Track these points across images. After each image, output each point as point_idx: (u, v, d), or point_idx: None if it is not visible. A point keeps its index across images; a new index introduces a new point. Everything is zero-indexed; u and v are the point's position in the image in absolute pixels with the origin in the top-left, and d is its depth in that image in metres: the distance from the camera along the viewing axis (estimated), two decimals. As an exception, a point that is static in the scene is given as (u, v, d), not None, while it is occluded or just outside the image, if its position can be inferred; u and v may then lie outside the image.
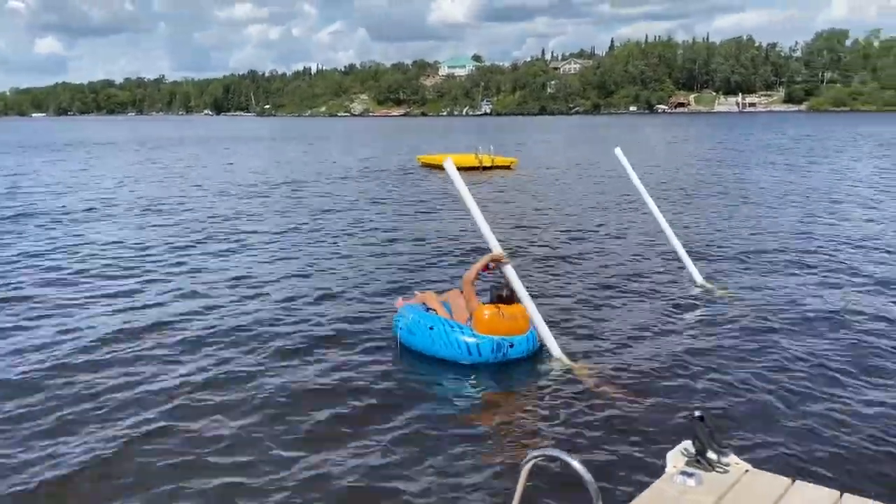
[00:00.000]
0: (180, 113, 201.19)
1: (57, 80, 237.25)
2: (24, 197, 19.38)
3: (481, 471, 4.67)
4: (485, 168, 26.87)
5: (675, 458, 3.76)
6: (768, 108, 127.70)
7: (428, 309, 7.03)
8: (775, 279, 9.55)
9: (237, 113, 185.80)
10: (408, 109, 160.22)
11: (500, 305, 6.60)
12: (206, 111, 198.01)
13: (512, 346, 6.49)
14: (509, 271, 6.93)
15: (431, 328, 6.64)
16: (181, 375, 6.25)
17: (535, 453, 2.70)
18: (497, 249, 6.98)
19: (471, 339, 6.47)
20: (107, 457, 4.81)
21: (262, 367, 6.46)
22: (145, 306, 8.48)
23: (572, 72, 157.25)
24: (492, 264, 6.96)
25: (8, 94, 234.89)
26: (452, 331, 6.57)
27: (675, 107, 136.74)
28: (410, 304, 7.29)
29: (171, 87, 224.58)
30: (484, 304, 6.68)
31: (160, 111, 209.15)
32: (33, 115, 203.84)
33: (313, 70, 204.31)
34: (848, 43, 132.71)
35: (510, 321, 6.54)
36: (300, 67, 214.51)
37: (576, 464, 2.61)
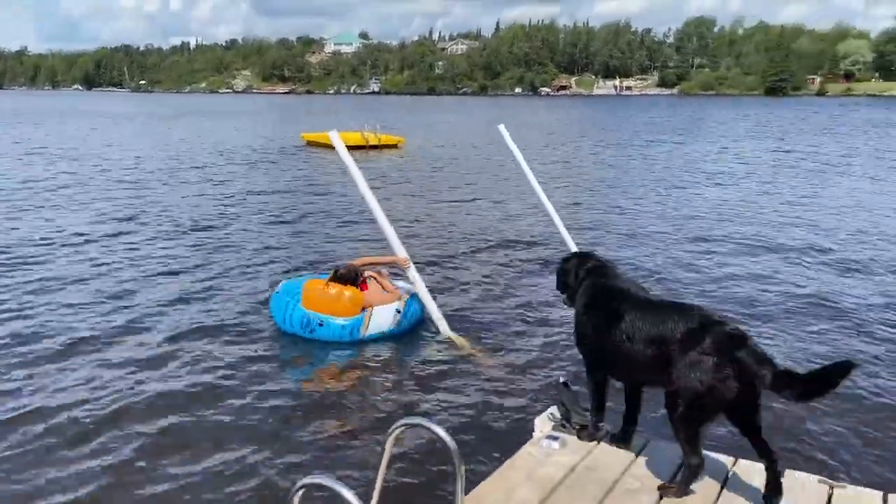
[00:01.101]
0: (46, 88, 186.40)
1: None
2: None
3: (348, 442, 4.77)
4: (372, 147, 26.65)
5: (543, 423, 3.91)
6: (643, 92, 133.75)
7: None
8: (652, 251, 10.10)
9: (110, 88, 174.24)
10: (293, 87, 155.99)
11: (330, 283, 6.56)
12: (75, 86, 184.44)
13: (321, 324, 6.45)
14: (414, 275, 6.98)
15: (287, 302, 6.67)
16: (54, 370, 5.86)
17: (400, 423, 2.73)
18: (400, 253, 7.01)
19: (290, 312, 6.54)
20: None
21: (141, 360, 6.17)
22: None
23: (459, 52, 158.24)
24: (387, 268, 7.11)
25: None
26: (288, 304, 6.61)
27: (558, 90, 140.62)
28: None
29: (36, 59, 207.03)
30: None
31: (23, 86, 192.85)
32: None
33: (192, 45, 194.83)
34: (715, 30, 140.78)
35: (328, 300, 6.46)
36: (178, 42, 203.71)
37: (438, 429, 2.66)
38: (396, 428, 2.71)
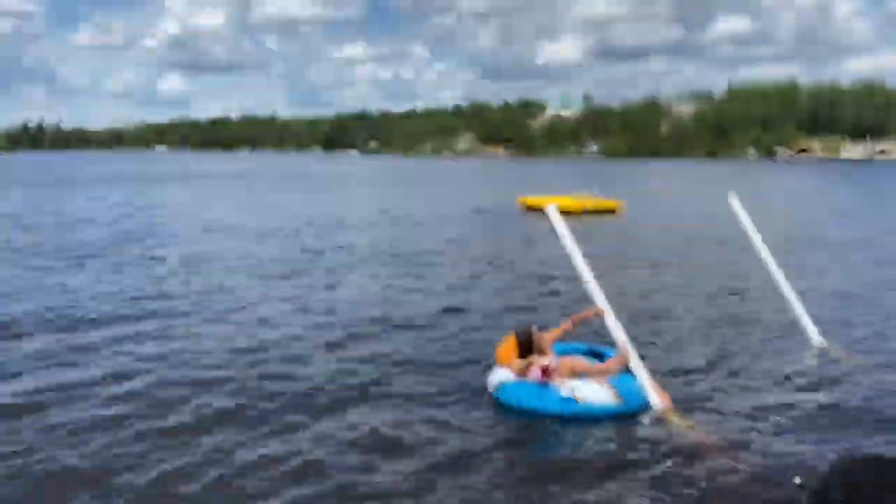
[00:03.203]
0: (290, 151, 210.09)
1: (178, 115, 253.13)
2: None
3: None
4: (587, 212, 26.26)
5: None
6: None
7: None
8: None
9: (346, 150, 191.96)
10: (513, 150, 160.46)
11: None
12: (316, 148, 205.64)
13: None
14: (611, 324, 6.75)
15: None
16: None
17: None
18: (600, 304, 6.82)
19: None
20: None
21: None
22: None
23: (686, 113, 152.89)
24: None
25: (134, 128, 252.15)
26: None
27: (798, 153, 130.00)
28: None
29: (284, 124, 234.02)
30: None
31: (273, 147, 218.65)
32: (157, 147, 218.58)
33: (419, 109, 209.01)
34: None
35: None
36: (408, 107, 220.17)
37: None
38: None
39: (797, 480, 3.34)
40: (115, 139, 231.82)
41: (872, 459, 2.33)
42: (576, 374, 6.52)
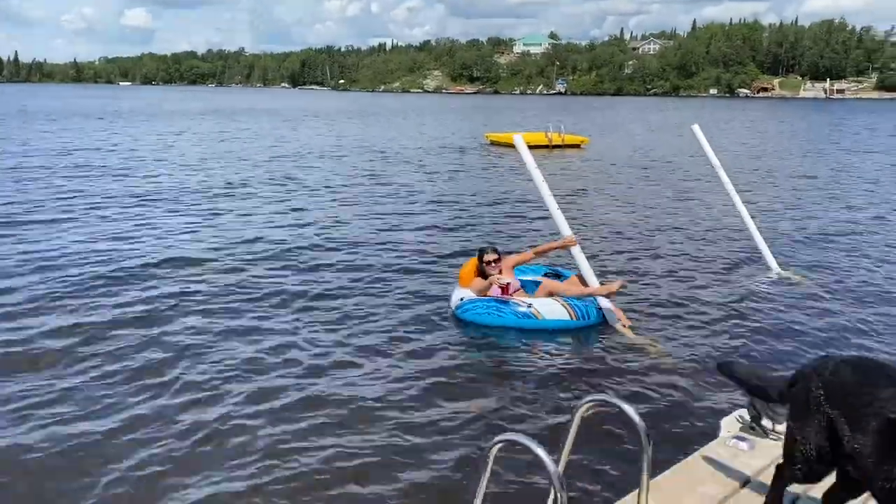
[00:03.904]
0: (258, 85, 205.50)
1: (143, 51, 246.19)
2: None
3: (535, 415, 5.01)
4: (555, 146, 26.69)
5: (730, 424, 3.82)
6: (857, 96, 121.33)
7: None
8: (854, 267, 9.28)
9: (312, 87, 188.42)
10: (481, 87, 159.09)
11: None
12: (282, 84, 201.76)
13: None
14: (577, 253, 7.10)
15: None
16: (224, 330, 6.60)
17: (589, 398, 2.82)
18: (566, 233, 7.17)
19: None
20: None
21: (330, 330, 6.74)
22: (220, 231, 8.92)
23: (651, 52, 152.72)
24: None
25: (97, 62, 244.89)
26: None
27: (758, 91, 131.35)
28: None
29: (251, 59, 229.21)
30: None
31: (239, 83, 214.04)
32: (120, 83, 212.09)
33: (388, 46, 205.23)
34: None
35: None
36: (376, 43, 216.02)
37: (627, 407, 2.73)
38: (585, 402, 2.81)
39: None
40: (77, 74, 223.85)
41: (851, 360, 2.64)
42: (553, 295, 6.91)
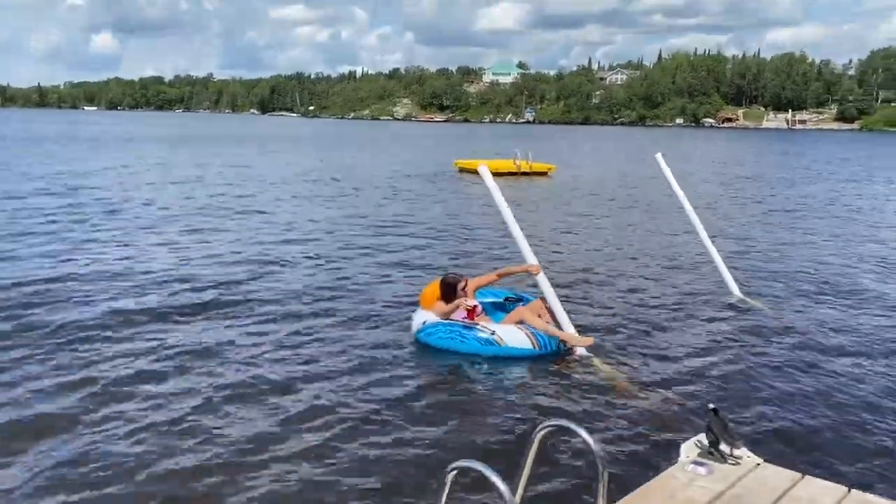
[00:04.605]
0: (226, 111, 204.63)
1: (110, 76, 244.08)
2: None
3: (494, 440, 4.96)
4: (522, 173, 26.93)
5: (689, 450, 3.83)
6: (818, 126, 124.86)
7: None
8: (811, 297, 9.40)
9: (282, 113, 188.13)
10: (451, 115, 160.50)
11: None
12: (251, 110, 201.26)
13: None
14: (542, 280, 7.12)
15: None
16: (182, 343, 6.50)
17: (547, 423, 2.81)
18: (531, 261, 7.18)
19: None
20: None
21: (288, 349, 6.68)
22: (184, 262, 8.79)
23: (619, 82, 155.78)
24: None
25: (62, 87, 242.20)
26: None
27: (723, 121, 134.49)
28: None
29: (220, 85, 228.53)
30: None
31: (207, 109, 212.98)
32: (85, 108, 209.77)
33: (359, 73, 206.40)
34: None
35: None
36: (346, 70, 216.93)
37: (583, 432, 2.72)
38: (543, 428, 2.80)
39: (711, 406, 3.91)
40: (41, 98, 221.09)
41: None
42: (520, 323, 6.80)
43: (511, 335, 6.67)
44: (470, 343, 6.67)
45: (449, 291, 7.02)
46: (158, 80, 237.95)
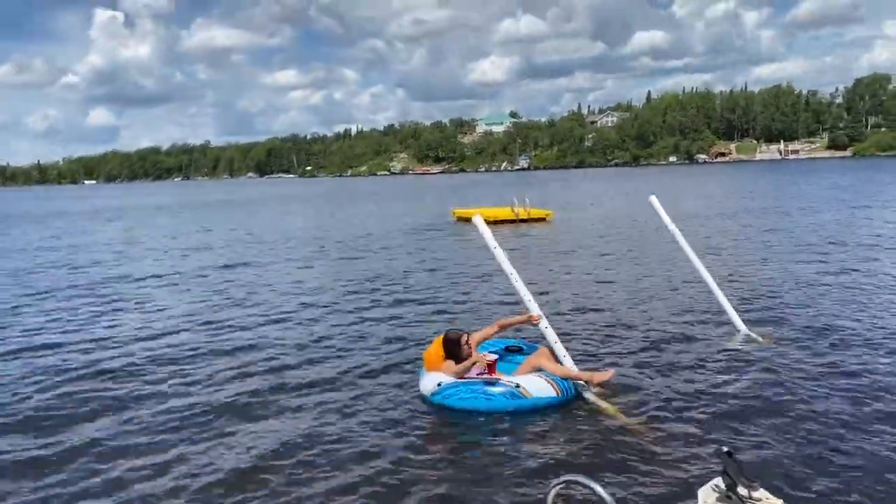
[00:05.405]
0: (224, 177, 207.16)
1: (107, 149, 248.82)
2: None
3: (508, 493, 4.81)
4: (521, 220, 26.98)
5: (707, 495, 3.65)
6: (811, 155, 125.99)
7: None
8: (820, 331, 9.23)
9: (280, 175, 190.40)
10: (447, 166, 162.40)
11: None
12: (249, 174, 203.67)
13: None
14: (545, 329, 7.03)
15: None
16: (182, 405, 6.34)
17: (559, 480, 2.68)
18: (533, 309, 7.07)
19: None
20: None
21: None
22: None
23: (610, 124, 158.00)
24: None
25: (61, 163, 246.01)
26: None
27: (716, 156, 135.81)
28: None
29: (217, 151, 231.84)
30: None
31: (205, 175, 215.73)
32: (85, 181, 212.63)
33: (353, 131, 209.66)
34: (891, 87, 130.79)
35: None
36: (341, 129, 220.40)
37: (599, 489, 2.58)
38: (557, 484, 2.66)
39: (724, 449, 3.76)
40: (41, 175, 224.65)
41: None
42: (538, 371, 6.63)
43: (534, 385, 6.41)
44: (496, 400, 6.32)
45: (454, 348, 6.79)
46: (155, 151, 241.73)
